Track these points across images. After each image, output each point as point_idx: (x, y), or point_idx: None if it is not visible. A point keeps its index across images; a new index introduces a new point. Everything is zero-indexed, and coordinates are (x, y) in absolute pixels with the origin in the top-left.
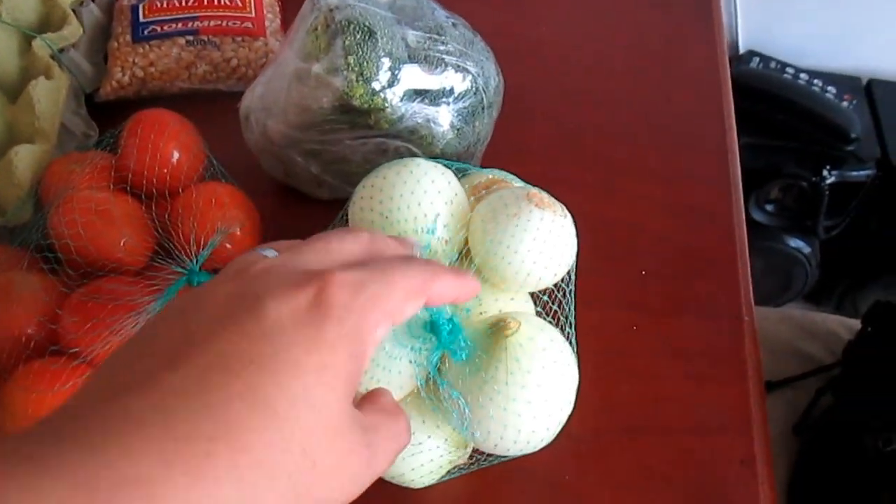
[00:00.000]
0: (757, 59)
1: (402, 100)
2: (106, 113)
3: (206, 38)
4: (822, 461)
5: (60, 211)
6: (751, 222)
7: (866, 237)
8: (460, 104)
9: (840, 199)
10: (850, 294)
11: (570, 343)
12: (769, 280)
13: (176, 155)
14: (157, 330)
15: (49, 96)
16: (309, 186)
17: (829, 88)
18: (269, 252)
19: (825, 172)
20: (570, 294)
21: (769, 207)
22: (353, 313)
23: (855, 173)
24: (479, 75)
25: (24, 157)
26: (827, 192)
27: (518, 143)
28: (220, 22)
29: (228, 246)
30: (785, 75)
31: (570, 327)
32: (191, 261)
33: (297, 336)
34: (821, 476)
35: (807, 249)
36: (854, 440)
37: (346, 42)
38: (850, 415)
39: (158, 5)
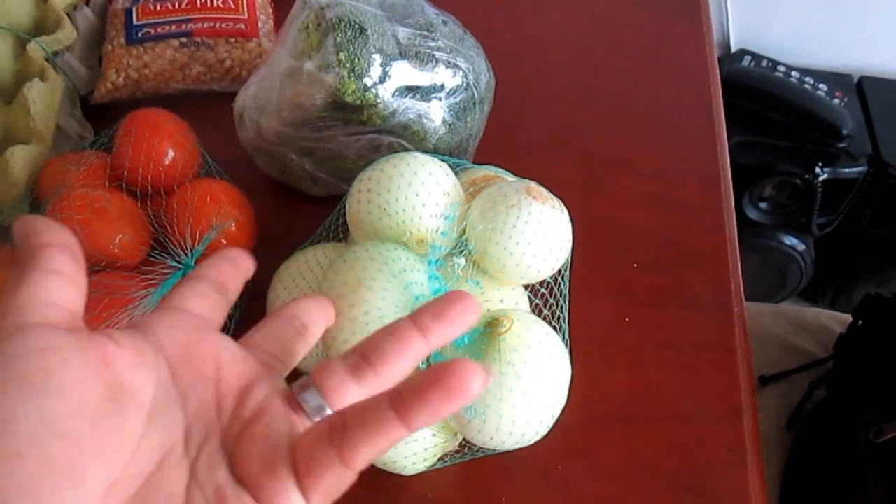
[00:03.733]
0: (748, 58)
1: (393, 95)
2: (100, 115)
3: (199, 40)
4: (816, 453)
5: (57, 208)
6: (745, 220)
7: (859, 233)
8: (452, 100)
9: (833, 196)
10: (843, 290)
11: (564, 336)
12: (765, 278)
13: (171, 153)
14: None
15: (44, 98)
16: (303, 183)
17: (821, 86)
18: None
19: (818, 169)
20: (564, 287)
21: (763, 205)
22: None
23: (847, 170)
24: (469, 71)
25: (20, 158)
26: (820, 189)
27: (510, 140)
28: (213, 24)
29: (223, 241)
30: (776, 73)
31: (564, 321)
32: (186, 256)
33: None
34: (814, 468)
35: (801, 246)
36: (847, 432)
37: (338, 39)
38: (842, 407)
39: (152, 8)
